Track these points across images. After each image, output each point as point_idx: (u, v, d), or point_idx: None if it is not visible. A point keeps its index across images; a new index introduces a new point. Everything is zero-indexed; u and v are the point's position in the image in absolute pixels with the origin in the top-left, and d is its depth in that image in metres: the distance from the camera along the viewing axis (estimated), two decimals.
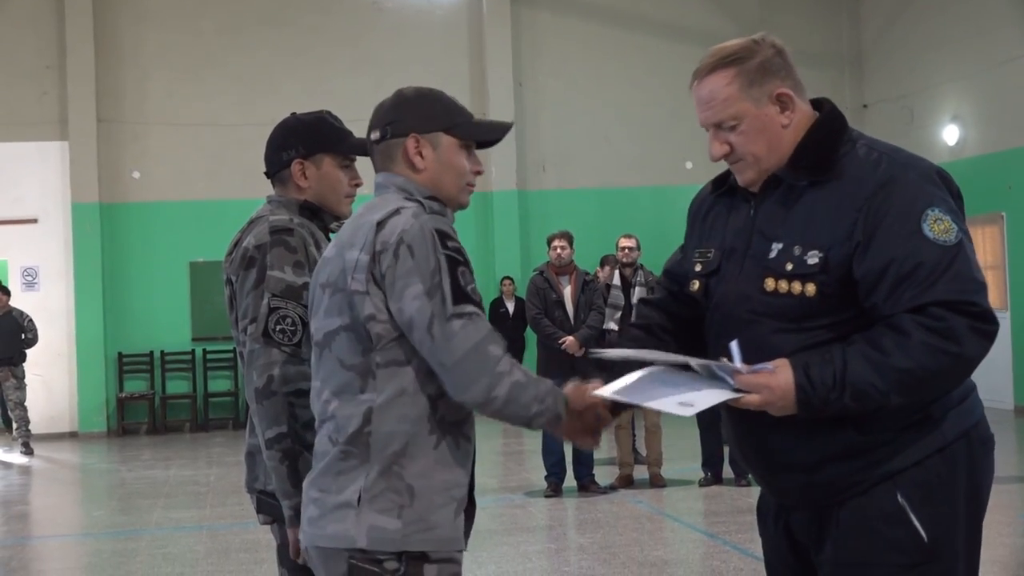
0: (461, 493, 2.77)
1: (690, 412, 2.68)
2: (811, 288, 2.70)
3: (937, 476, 2.73)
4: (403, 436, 2.69)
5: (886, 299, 2.63)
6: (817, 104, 2.93)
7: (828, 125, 2.84)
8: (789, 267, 2.73)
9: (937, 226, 2.63)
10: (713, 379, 2.72)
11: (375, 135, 2.90)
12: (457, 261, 2.68)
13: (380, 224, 2.70)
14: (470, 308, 2.66)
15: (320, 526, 2.73)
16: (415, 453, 2.69)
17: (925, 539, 2.71)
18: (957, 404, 2.76)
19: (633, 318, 3.28)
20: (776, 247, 2.77)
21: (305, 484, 2.84)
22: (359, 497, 2.67)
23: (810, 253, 2.71)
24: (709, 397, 2.68)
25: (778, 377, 2.64)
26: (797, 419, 2.67)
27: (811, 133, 2.82)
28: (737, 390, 2.67)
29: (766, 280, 2.77)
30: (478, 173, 2.95)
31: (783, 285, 2.74)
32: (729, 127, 2.80)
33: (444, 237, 2.69)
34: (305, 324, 3.18)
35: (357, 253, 2.70)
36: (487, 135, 2.99)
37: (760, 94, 2.78)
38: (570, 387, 2.83)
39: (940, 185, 2.74)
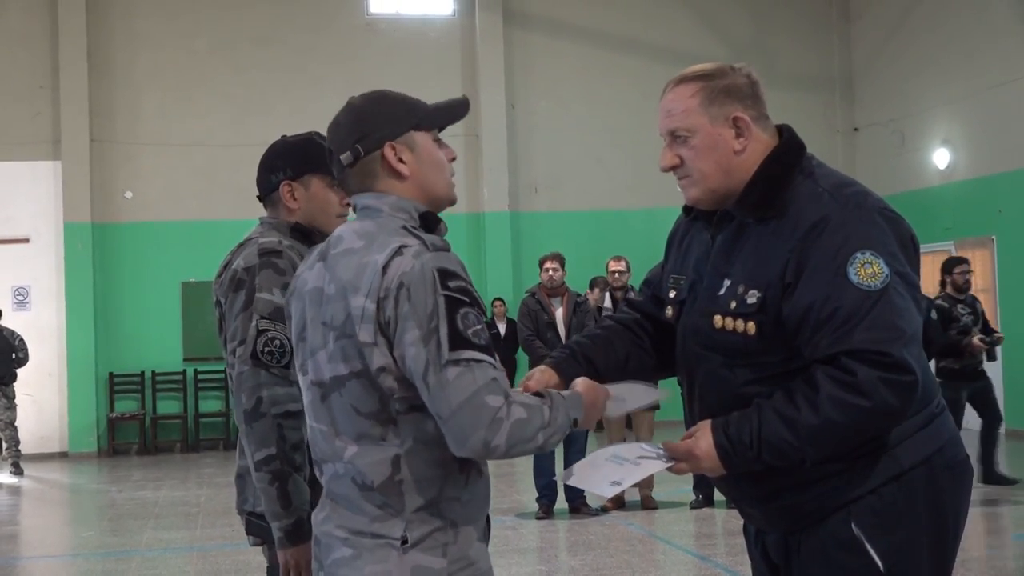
0: (484, 522, 2.71)
1: (617, 491, 2.78)
2: (751, 327, 2.73)
3: (893, 504, 2.72)
4: (437, 480, 2.57)
5: (807, 343, 2.65)
6: (778, 131, 2.92)
7: (780, 159, 2.81)
8: (733, 305, 2.77)
9: (864, 270, 2.61)
10: (650, 454, 2.80)
11: (345, 159, 2.69)
12: (459, 303, 2.49)
13: (385, 268, 2.52)
14: (469, 354, 2.45)
15: (356, 567, 2.58)
16: (450, 493, 2.59)
17: (882, 568, 2.71)
18: (917, 430, 2.74)
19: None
20: (726, 284, 2.81)
21: (321, 522, 2.71)
22: (404, 539, 2.55)
23: (750, 292, 2.74)
24: (640, 472, 2.77)
25: (700, 443, 2.71)
26: None
27: (761, 168, 2.81)
28: (672, 458, 2.76)
29: (715, 317, 2.81)
30: (453, 159, 2.78)
31: (728, 322, 2.77)
32: (682, 139, 2.82)
33: (446, 276, 2.50)
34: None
35: (363, 300, 2.53)
36: (452, 116, 2.79)
37: (718, 113, 2.80)
38: (581, 384, 2.73)
39: (882, 226, 2.69)
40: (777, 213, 2.75)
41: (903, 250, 2.70)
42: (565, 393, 2.63)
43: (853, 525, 2.72)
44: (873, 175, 17.71)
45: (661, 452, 2.78)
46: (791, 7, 19.00)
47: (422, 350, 2.47)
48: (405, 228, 2.62)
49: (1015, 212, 15.22)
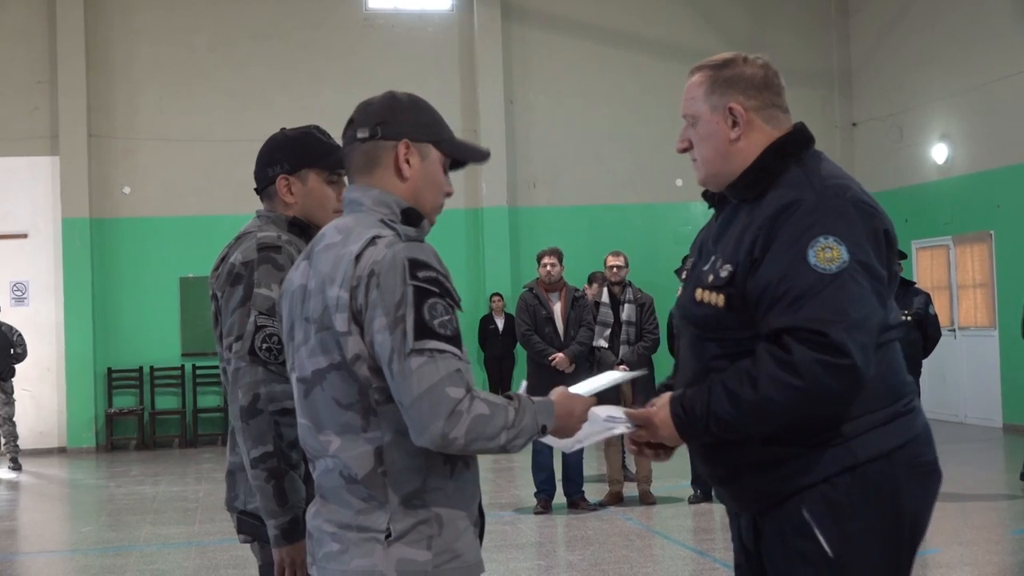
0: (475, 512, 2.73)
1: (577, 447, 2.93)
2: (721, 299, 2.83)
3: (847, 495, 2.76)
4: (420, 471, 2.59)
5: (762, 319, 2.74)
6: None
7: (780, 149, 2.90)
8: (710, 279, 2.88)
9: (823, 254, 2.67)
10: (618, 418, 2.94)
11: (362, 133, 2.75)
12: (428, 292, 2.52)
13: (358, 257, 2.57)
14: (433, 344, 2.49)
15: (343, 561, 2.62)
16: (434, 484, 2.61)
17: (830, 554, 2.76)
18: (877, 426, 2.78)
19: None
20: (711, 260, 2.94)
21: (312, 517, 2.75)
22: (388, 531, 2.58)
23: (724, 267, 2.85)
24: (604, 434, 2.91)
25: (659, 412, 2.85)
26: None
27: (760, 156, 2.91)
28: (638, 425, 2.92)
29: (696, 290, 2.92)
30: (449, 194, 2.86)
31: (705, 295, 2.88)
32: (691, 123, 2.99)
33: (417, 266, 2.54)
34: None
35: (338, 290, 2.58)
36: (471, 156, 2.90)
37: (718, 102, 2.93)
38: (556, 393, 2.76)
39: (852, 216, 2.74)
40: (759, 195, 2.87)
41: (873, 243, 2.76)
42: (537, 399, 2.65)
43: (804, 511, 2.78)
44: (871, 170, 17.71)
45: (627, 418, 2.90)
46: (789, 2, 18.99)
47: (388, 337, 2.50)
48: (382, 221, 2.67)
49: (1013, 207, 15.23)
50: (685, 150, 3.02)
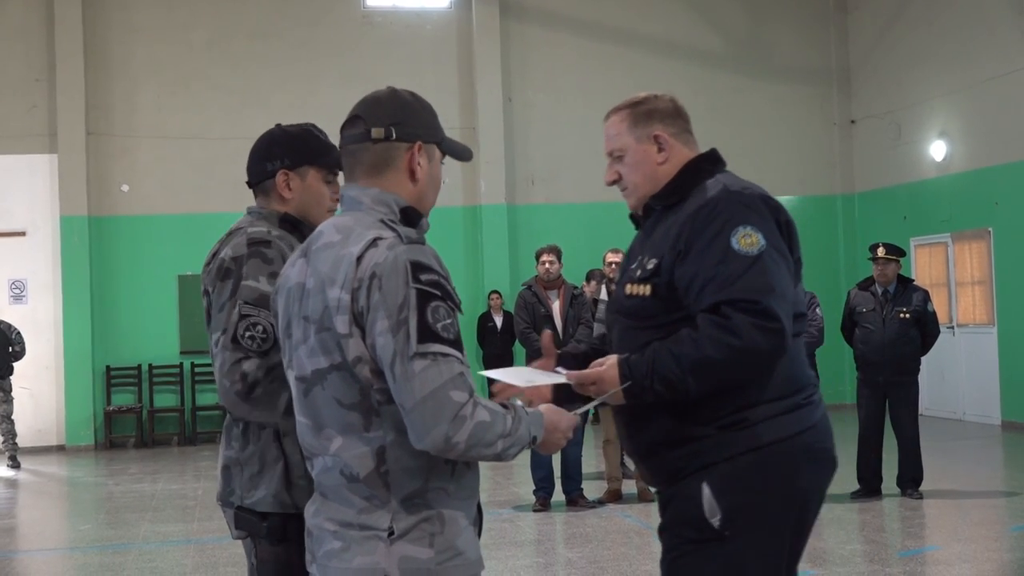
0: (474, 511, 2.75)
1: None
2: (647, 289, 3.21)
3: (747, 470, 3.08)
4: (422, 471, 2.60)
5: (695, 299, 3.10)
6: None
7: (694, 166, 3.33)
8: (638, 273, 3.26)
9: (744, 240, 3.08)
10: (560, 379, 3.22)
11: (376, 132, 2.74)
12: (430, 296, 2.53)
13: (359, 259, 2.57)
14: (436, 348, 2.50)
15: (345, 559, 2.63)
16: (436, 484, 2.62)
17: (718, 521, 3.08)
18: (780, 414, 3.12)
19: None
20: (639, 259, 3.31)
21: (313, 515, 2.76)
22: (390, 529, 2.60)
23: (650, 260, 3.23)
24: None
25: (608, 371, 3.15)
26: (635, 411, 3.19)
27: (681, 170, 3.32)
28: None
29: (627, 286, 3.29)
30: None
31: (634, 288, 3.26)
32: (617, 157, 3.39)
33: (419, 269, 2.54)
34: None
35: (339, 292, 2.58)
36: (462, 155, 2.92)
37: (642, 134, 3.35)
38: (545, 407, 2.82)
39: (762, 210, 3.16)
40: (679, 200, 3.27)
41: (780, 231, 3.17)
42: (529, 409, 2.70)
43: (704, 483, 3.10)
44: (870, 167, 17.72)
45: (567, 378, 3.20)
46: None
47: (390, 340, 2.51)
48: (382, 221, 2.67)
49: (1011, 204, 15.23)
50: (614, 182, 3.41)
